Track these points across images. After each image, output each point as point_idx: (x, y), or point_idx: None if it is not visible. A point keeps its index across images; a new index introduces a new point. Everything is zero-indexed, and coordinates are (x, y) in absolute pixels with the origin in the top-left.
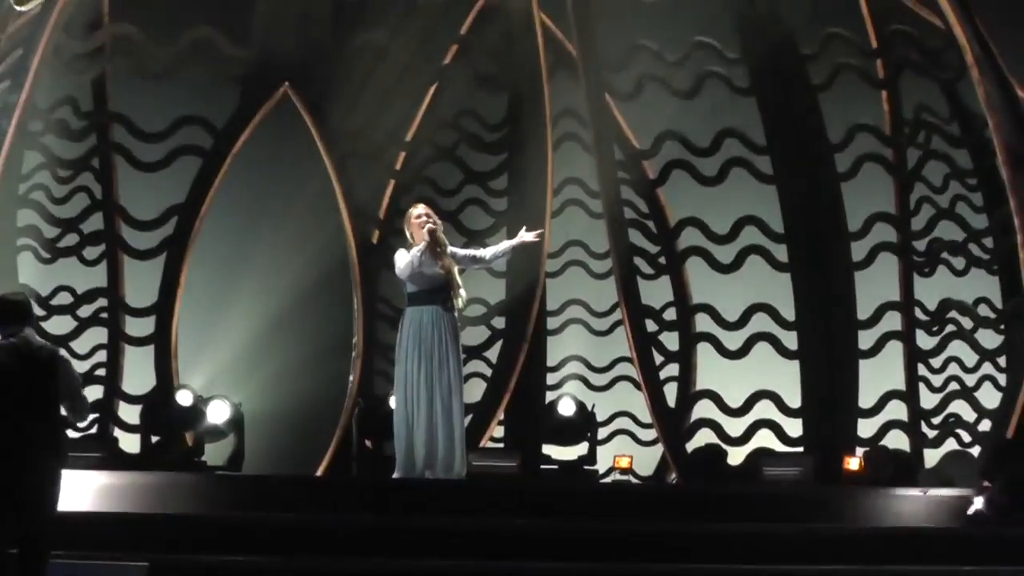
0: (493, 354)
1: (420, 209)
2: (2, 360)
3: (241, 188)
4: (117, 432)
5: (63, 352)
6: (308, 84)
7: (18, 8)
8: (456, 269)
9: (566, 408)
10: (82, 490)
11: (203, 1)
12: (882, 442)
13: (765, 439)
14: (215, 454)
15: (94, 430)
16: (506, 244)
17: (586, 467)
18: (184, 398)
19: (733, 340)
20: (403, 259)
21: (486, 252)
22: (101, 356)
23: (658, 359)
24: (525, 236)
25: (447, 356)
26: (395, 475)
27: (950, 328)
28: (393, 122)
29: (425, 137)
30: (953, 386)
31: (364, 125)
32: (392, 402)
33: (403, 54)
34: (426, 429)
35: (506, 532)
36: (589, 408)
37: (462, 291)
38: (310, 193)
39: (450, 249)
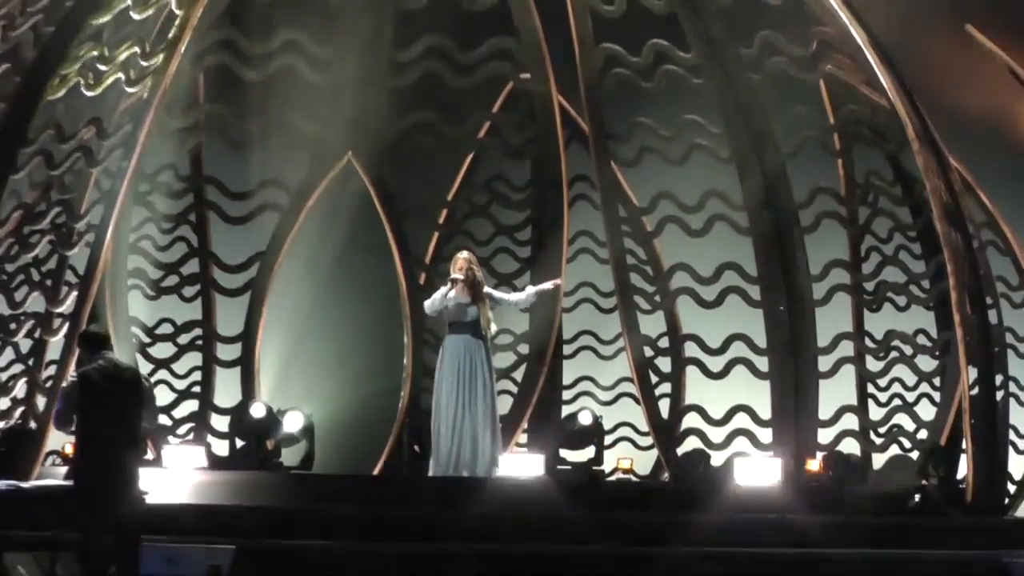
0: (519, 375)
1: (461, 256)
2: (97, 378)
3: (313, 239)
4: (210, 438)
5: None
6: (368, 153)
7: (128, 90)
8: (488, 305)
9: (585, 419)
10: (180, 486)
11: (279, 84)
12: (837, 448)
13: (741, 445)
14: (290, 456)
15: (190, 437)
16: (531, 290)
17: (594, 467)
18: (265, 410)
19: (715, 364)
20: (431, 298)
21: (513, 297)
22: (196, 376)
23: (654, 379)
24: (546, 285)
25: (477, 376)
26: (430, 473)
27: (894, 354)
28: (438, 185)
29: (464, 196)
30: (896, 402)
31: (414, 186)
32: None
33: (446, 128)
34: (456, 436)
35: (526, 521)
36: (597, 419)
37: (493, 325)
38: (369, 242)
39: (486, 289)
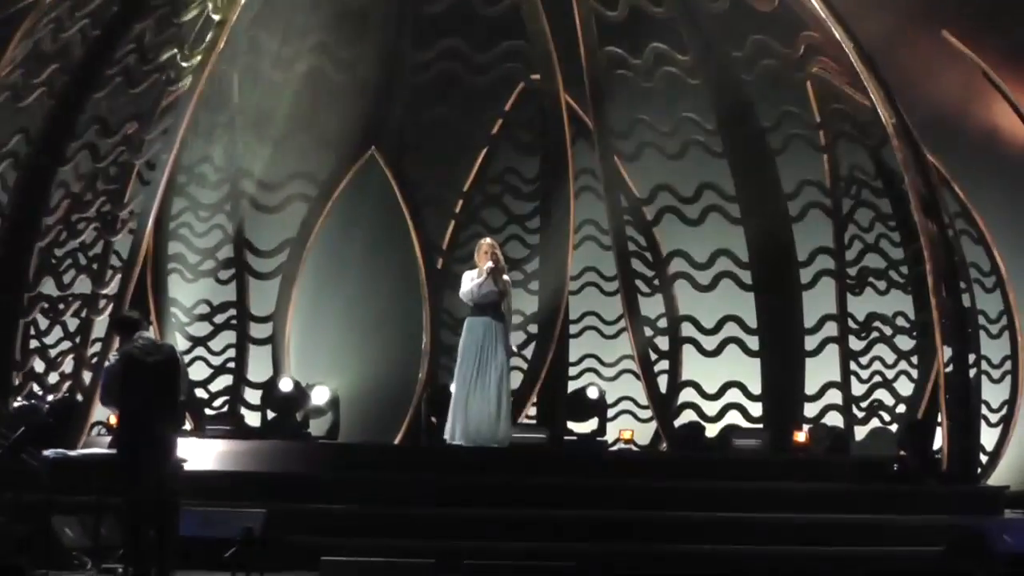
0: (528, 352)
1: (487, 243)
2: (138, 356)
3: (339, 226)
4: (243, 410)
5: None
6: (390, 147)
7: (169, 88)
8: (507, 287)
9: (592, 393)
10: (216, 454)
11: (309, 84)
12: (822, 421)
13: (734, 418)
14: (317, 427)
15: (225, 409)
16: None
17: (598, 438)
18: (293, 385)
19: (710, 343)
20: (465, 285)
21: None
22: (231, 353)
23: (653, 357)
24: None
25: (497, 355)
26: (445, 437)
27: (875, 334)
28: (454, 177)
29: (478, 188)
30: (877, 378)
31: (432, 178)
32: (453, 387)
33: (462, 125)
34: (478, 409)
35: (537, 487)
36: (602, 393)
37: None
38: (390, 229)
39: (505, 276)
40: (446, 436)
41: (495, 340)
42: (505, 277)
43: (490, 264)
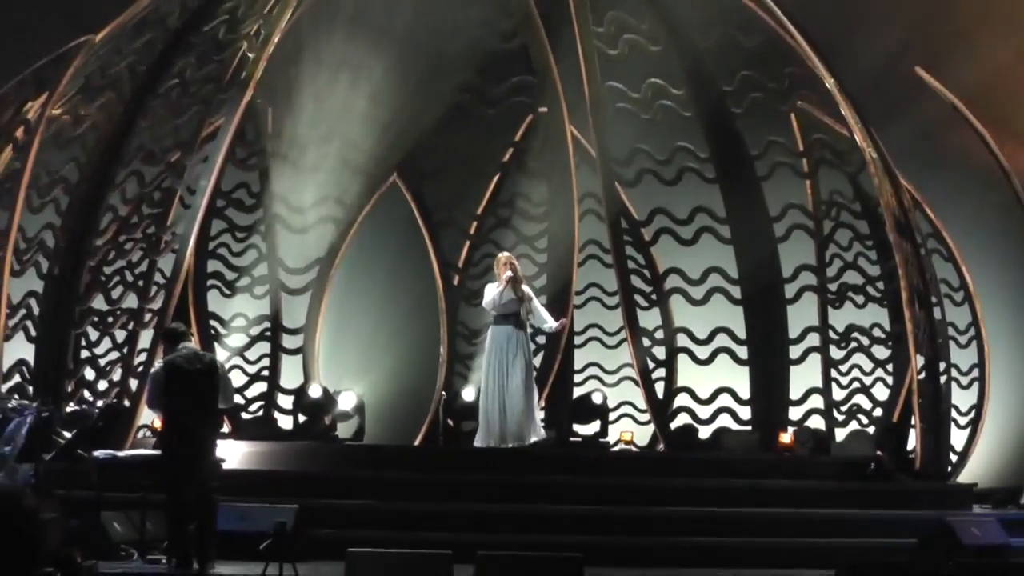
0: (537, 361)
1: (504, 256)
2: (181, 364)
3: (364, 246)
4: (276, 414)
5: (219, 358)
6: (411, 174)
7: (209, 119)
8: (526, 297)
9: (596, 398)
10: (252, 455)
11: (338, 116)
12: (806, 423)
13: (725, 420)
14: (344, 430)
15: (260, 413)
16: (555, 325)
17: (600, 439)
18: (322, 391)
19: (703, 352)
20: (488, 296)
21: (544, 315)
22: (265, 361)
23: (651, 365)
24: (555, 325)
25: (519, 359)
26: (476, 444)
27: (853, 344)
28: (469, 200)
29: (490, 211)
30: (855, 385)
31: (449, 202)
32: (467, 394)
33: (476, 153)
34: (504, 411)
35: (544, 484)
36: (603, 398)
37: (530, 316)
38: (410, 249)
39: (524, 287)
40: (477, 443)
41: (517, 346)
42: (524, 287)
43: (509, 274)
